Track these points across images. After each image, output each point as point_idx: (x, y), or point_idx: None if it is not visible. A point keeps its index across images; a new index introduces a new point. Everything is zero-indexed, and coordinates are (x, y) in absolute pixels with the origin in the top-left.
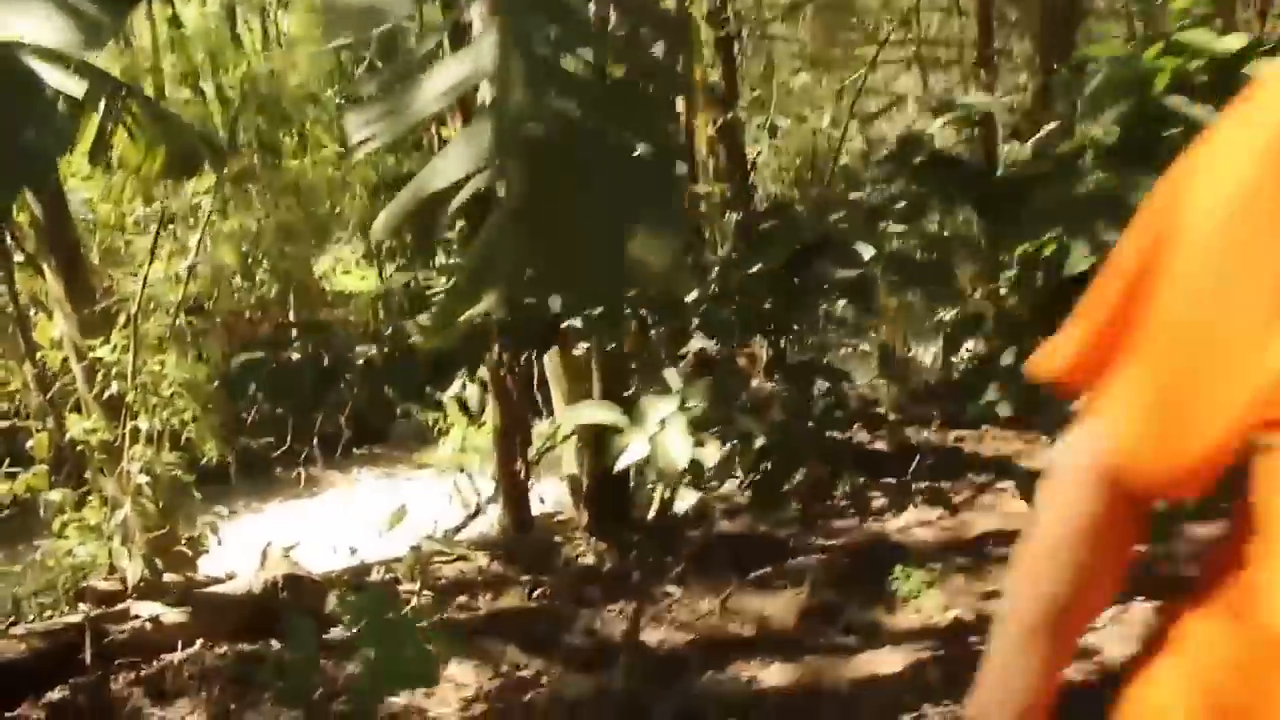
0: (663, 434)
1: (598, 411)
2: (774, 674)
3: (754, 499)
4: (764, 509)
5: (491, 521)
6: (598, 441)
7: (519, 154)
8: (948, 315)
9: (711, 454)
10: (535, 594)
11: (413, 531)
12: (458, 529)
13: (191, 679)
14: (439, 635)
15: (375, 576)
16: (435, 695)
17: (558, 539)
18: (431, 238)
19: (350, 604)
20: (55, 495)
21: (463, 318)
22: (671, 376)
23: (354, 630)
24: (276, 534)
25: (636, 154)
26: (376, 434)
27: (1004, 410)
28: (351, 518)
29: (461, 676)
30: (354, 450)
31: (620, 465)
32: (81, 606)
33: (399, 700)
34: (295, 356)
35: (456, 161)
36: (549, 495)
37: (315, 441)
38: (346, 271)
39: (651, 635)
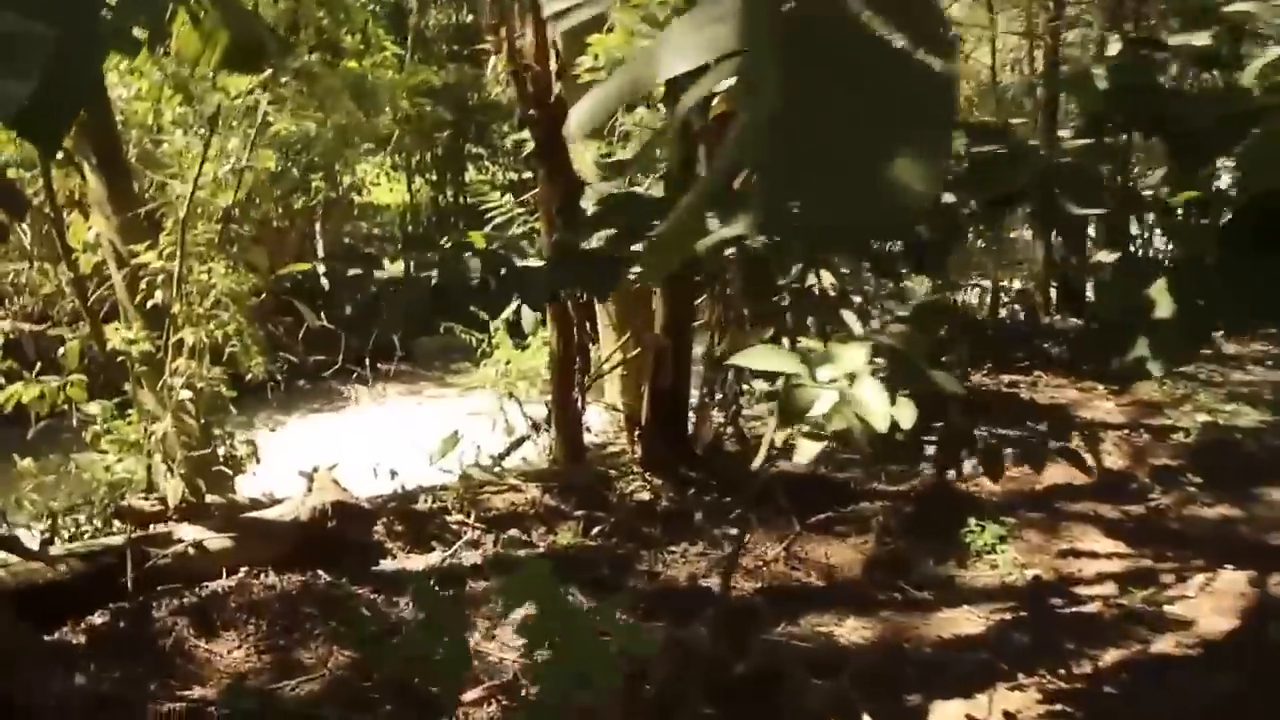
0: (855, 388)
1: (774, 357)
2: (850, 630)
3: (881, 447)
4: (890, 459)
5: (537, 450)
6: (657, 370)
7: (777, 36)
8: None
9: (908, 413)
10: (594, 532)
11: (449, 457)
12: (503, 455)
13: (239, 610)
14: (622, 626)
15: (423, 504)
16: (497, 639)
17: (611, 472)
18: (687, 157)
19: (508, 585)
20: (94, 407)
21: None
22: (851, 319)
23: (508, 614)
24: (307, 451)
25: (912, 58)
26: (400, 351)
27: (1156, 369)
28: (383, 435)
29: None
30: (379, 366)
31: (812, 415)
32: (120, 527)
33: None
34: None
35: (689, 44)
36: (592, 425)
37: (366, 361)
38: (376, 183)
39: (715, 580)
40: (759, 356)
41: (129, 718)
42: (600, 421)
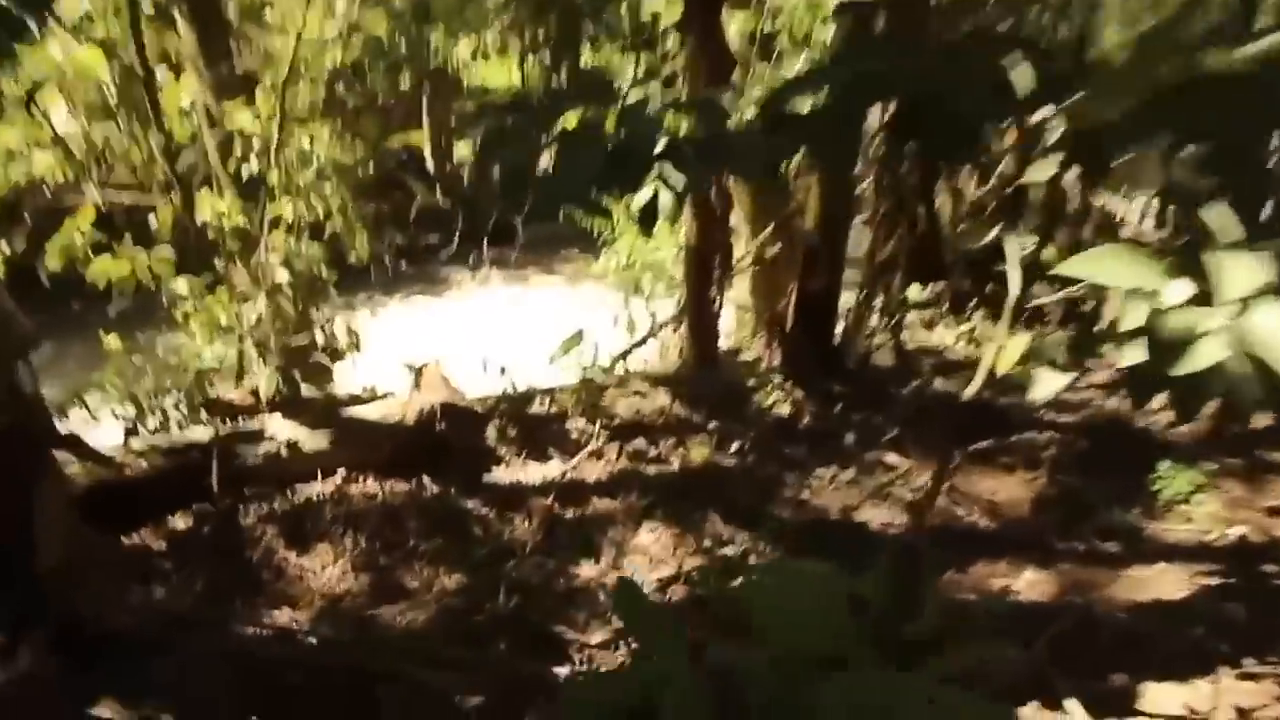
0: (1250, 318)
1: (1126, 266)
2: (1028, 585)
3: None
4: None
5: (661, 351)
6: (807, 269)
7: None
8: None
9: None
10: (730, 449)
11: (550, 345)
12: (624, 355)
13: (335, 521)
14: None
15: (539, 407)
16: (624, 569)
17: (749, 382)
18: None
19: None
20: (182, 284)
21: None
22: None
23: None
24: (409, 339)
25: None
26: (504, 235)
27: None
28: (489, 324)
29: (656, 548)
30: (483, 254)
31: (1189, 365)
32: (207, 419)
33: (585, 570)
34: None
35: None
36: (720, 327)
37: (485, 241)
38: (483, 58)
39: (870, 513)
40: (1104, 264)
41: (212, 640)
42: (729, 323)
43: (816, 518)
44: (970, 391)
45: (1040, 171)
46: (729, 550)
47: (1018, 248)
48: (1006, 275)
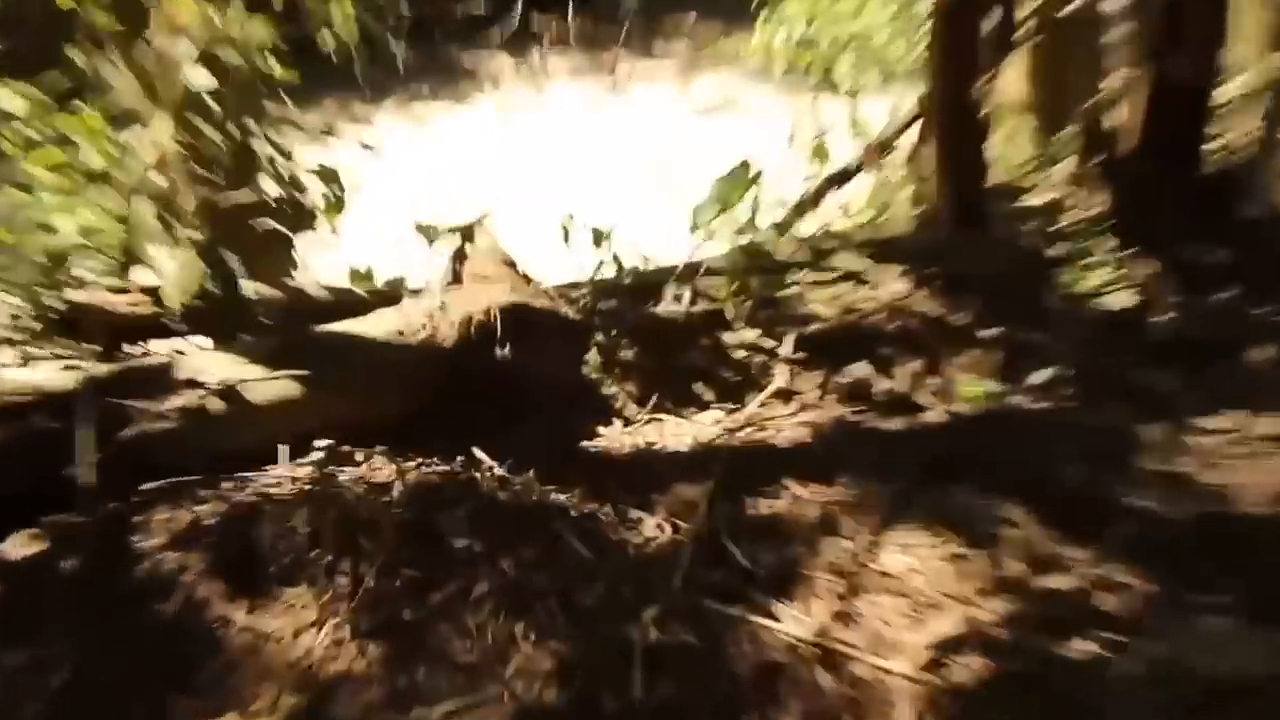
0: None
1: None
2: None
3: None
4: None
5: (868, 197)
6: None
7: None
8: None
9: None
10: (1030, 381)
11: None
12: (812, 199)
13: (312, 538)
14: None
15: (669, 305)
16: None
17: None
18: None
19: None
20: (9, 96)
21: None
22: None
23: None
24: (425, 182)
25: None
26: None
27: None
28: (552, 150)
29: (918, 581)
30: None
31: None
32: (69, 347)
33: (784, 628)
34: None
35: None
36: None
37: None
38: None
39: None
40: None
41: None
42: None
43: (1216, 518)
44: None
45: None
46: (1060, 584)
47: None
48: None
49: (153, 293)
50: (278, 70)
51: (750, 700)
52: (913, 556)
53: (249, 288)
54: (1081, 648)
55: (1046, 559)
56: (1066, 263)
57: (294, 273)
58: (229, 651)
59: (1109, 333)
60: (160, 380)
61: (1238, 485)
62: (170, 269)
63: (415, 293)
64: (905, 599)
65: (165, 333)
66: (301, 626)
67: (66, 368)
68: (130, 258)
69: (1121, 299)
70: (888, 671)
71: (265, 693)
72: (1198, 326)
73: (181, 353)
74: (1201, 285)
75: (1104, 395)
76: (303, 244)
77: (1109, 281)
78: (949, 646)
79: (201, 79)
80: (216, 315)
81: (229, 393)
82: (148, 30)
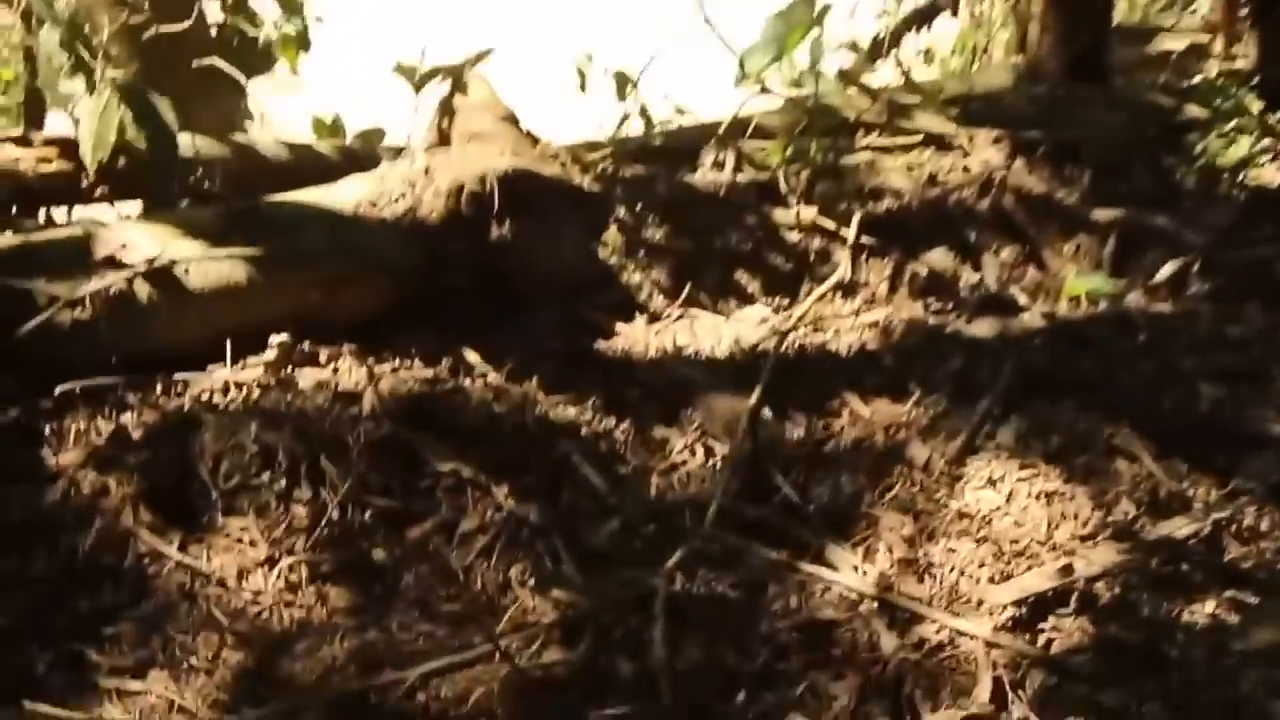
0: None
1: None
2: None
3: None
4: None
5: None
6: None
7: None
8: None
9: None
10: (1150, 278)
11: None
12: (889, 43)
13: (264, 456)
14: None
15: (709, 172)
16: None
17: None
18: None
19: None
20: None
21: None
22: None
23: None
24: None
25: None
26: None
27: None
28: None
29: (1004, 523)
30: None
31: None
32: None
33: (838, 576)
34: None
35: None
36: None
37: None
38: None
39: None
40: None
41: None
42: None
43: None
44: None
45: None
46: (1182, 530)
47: None
48: None
49: (64, 146)
50: None
51: (795, 666)
52: (999, 493)
53: (185, 142)
54: (1205, 610)
55: (1166, 499)
56: (1204, 128)
57: (244, 124)
58: (158, 595)
59: (1254, 217)
60: (74, 257)
61: None
62: (86, 116)
63: (395, 153)
64: (988, 545)
65: (80, 197)
66: (248, 566)
67: None
68: (36, 104)
69: (1271, 175)
70: (964, 634)
71: (202, 646)
72: None
73: (101, 223)
74: None
75: (1245, 295)
76: (255, 88)
77: (1256, 153)
78: (1040, 605)
79: None
80: (144, 176)
81: (160, 274)
82: None
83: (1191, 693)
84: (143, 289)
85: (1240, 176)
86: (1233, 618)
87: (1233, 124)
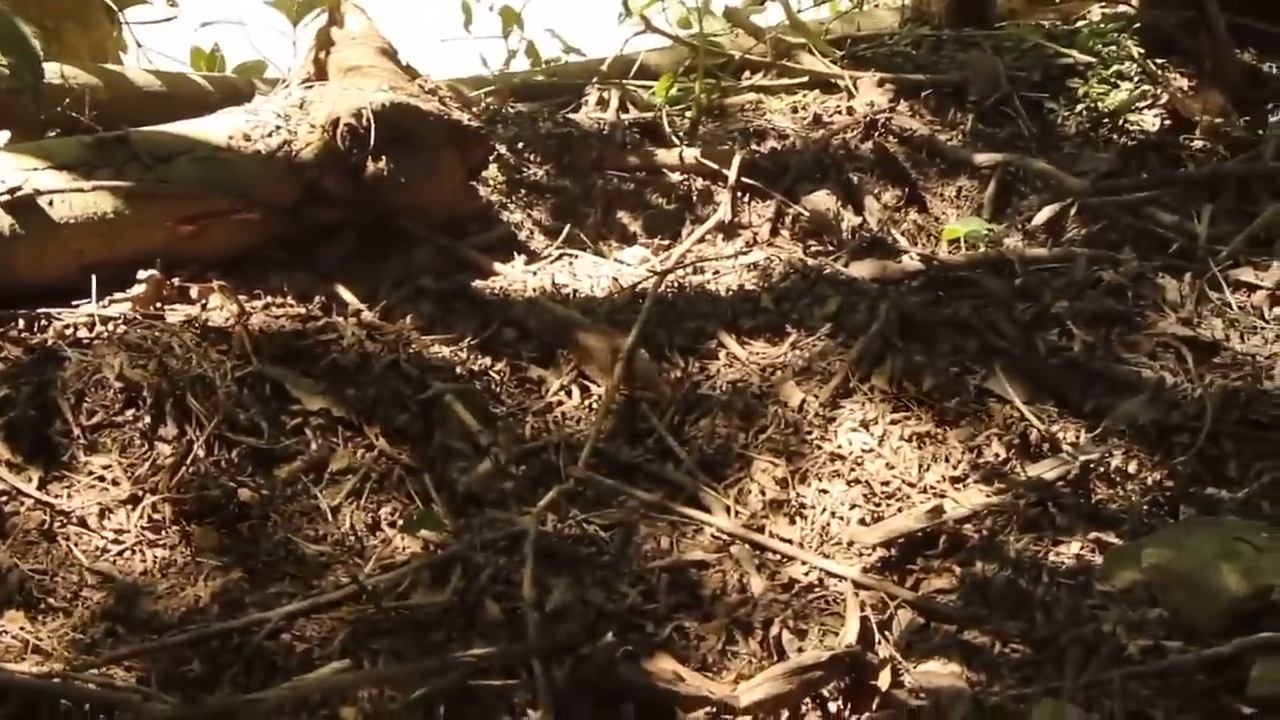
0: None
1: None
2: None
3: None
4: None
5: None
6: None
7: None
8: None
9: None
10: (1029, 220)
11: None
12: None
13: (128, 394)
14: None
15: (592, 111)
16: (812, 510)
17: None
18: None
19: None
20: None
21: None
22: None
23: None
24: None
25: None
26: None
27: None
28: None
29: (877, 466)
30: None
31: None
32: None
33: (712, 520)
34: None
35: None
36: None
37: None
38: None
39: None
40: None
41: None
42: None
43: (1247, 395)
44: None
45: None
46: (1050, 472)
47: None
48: None
49: None
50: None
51: (664, 607)
52: (871, 435)
53: (51, 69)
54: (1070, 551)
55: (1036, 442)
56: (1087, 73)
57: (118, 55)
58: (14, 535)
59: (1132, 162)
60: None
61: (1277, 355)
62: None
63: (270, 85)
64: (860, 487)
65: None
66: (110, 505)
67: None
68: None
69: (1151, 120)
70: (833, 575)
71: (60, 587)
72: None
73: None
74: (1253, 105)
75: (1120, 240)
76: (130, 14)
77: (1136, 97)
78: (910, 546)
79: None
80: (8, 105)
81: (23, 205)
82: None
83: (1054, 633)
84: (4, 220)
85: (1120, 121)
86: (1097, 559)
87: (1114, 69)
